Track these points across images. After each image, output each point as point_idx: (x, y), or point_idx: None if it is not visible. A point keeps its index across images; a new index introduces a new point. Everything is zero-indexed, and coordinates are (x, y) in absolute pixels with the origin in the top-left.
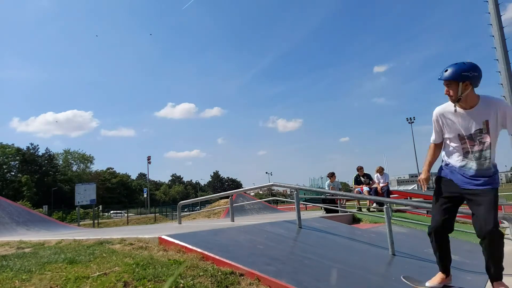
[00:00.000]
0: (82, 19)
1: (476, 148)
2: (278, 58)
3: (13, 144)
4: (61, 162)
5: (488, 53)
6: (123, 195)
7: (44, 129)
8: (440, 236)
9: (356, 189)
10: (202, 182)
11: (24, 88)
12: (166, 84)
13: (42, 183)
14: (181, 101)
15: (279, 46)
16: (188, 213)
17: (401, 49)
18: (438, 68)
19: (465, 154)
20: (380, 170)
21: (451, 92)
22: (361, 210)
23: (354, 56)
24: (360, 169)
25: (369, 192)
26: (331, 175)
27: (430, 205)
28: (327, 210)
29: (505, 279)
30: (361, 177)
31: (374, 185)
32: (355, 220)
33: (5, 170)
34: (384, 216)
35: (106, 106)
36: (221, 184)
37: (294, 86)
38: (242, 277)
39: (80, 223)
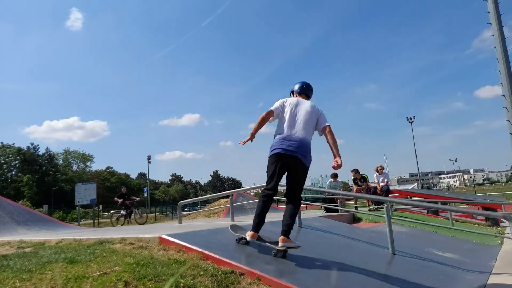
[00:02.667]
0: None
1: None
2: (277, 70)
3: (13, 144)
4: (61, 161)
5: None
6: None
7: (48, 136)
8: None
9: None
10: (202, 182)
11: (31, 98)
12: (174, 94)
13: (43, 183)
14: (186, 112)
15: (278, 59)
16: (188, 212)
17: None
18: (438, 68)
19: None
20: (380, 169)
21: None
22: (357, 209)
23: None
24: (356, 172)
25: (368, 191)
26: (334, 176)
27: (430, 204)
28: (327, 210)
29: (505, 278)
30: (358, 180)
31: (374, 185)
32: (355, 219)
33: (6, 170)
34: (384, 216)
35: (115, 115)
36: (221, 184)
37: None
38: (243, 277)
39: (81, 222)
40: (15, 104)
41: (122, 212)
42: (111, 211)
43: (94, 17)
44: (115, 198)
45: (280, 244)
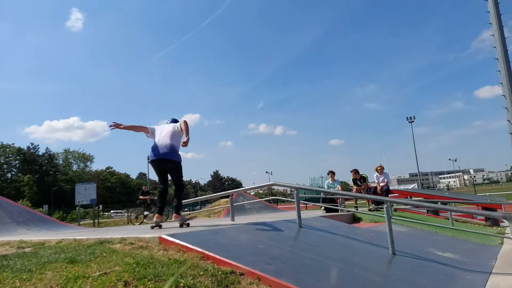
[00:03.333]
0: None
1: None
2: (277, 70)
3: (13, 144)
4: (61, 161)
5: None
6: (122, 194)
7: (48, 136)
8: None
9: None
10: (202, 182)
11: (31, 98)
12: (174, 94)
13: (43, 183)
14: (186, 112)
15: (278, 59)
16: (188, 212)
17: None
18: (435, 69)
19: None
20: (380, 169)
21: None
22: (357, 209)
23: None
24: (355, 172)
25: (368, 191)
26: (331, 174)
27: (430, 204)
28: (327, 209)
29: (505, 278)
30: (357, 180)
31: (374, 185)
32: (355, 219)
33: (6, 170)
34: (384, 216)
35: (115, 115)
36: (221, 184)
37: (294, 93)
38: (243, 277)
39: (81, 222)
40: (15, 104)
41: (145, 212)
42: (111, 211)
43: (94, 17)
44: (140, 197)
45: (173, 219)
